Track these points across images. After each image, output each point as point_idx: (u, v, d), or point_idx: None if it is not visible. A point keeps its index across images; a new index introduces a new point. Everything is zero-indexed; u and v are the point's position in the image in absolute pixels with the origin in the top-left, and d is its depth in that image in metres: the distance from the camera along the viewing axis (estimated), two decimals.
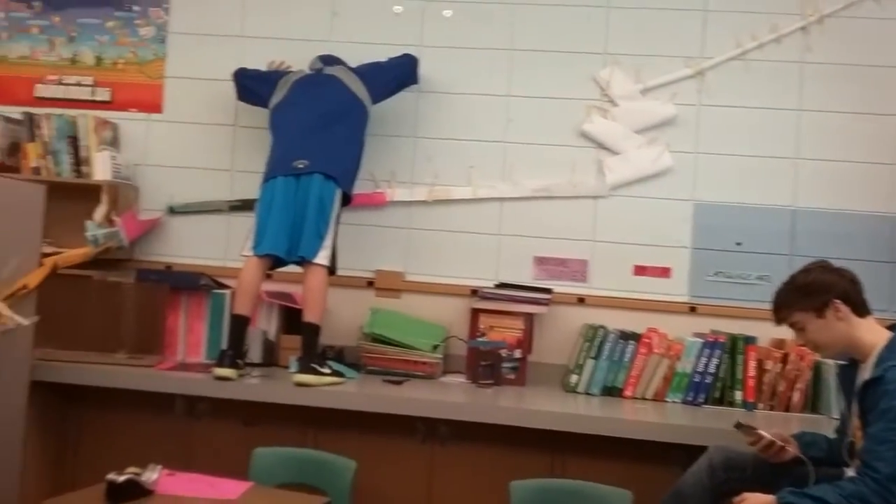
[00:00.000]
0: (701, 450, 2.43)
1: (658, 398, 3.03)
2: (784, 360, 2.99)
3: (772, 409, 2.99)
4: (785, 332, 2.40)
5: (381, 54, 3.37)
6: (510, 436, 2.75)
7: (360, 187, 3.25)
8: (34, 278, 2.63)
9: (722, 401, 3.02)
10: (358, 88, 3.18)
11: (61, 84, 3.63)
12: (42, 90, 3.63)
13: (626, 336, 3.09)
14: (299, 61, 3.38)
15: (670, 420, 2.77)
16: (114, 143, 3.51)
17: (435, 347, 3.16)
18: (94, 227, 3.21)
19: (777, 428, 2.35)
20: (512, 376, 3.13)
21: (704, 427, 2.67)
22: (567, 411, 2.78)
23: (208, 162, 3.54)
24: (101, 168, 3.36)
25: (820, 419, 2.89)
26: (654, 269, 3.29)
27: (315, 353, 2.92)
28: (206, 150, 3.55)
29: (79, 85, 3.62)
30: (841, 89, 3.25)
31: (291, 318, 3.26)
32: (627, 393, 3.05)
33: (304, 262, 2.95)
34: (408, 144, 3.45)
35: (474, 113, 3.42)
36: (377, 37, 3.46)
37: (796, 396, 2.98)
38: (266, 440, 2.69)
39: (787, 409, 2.98)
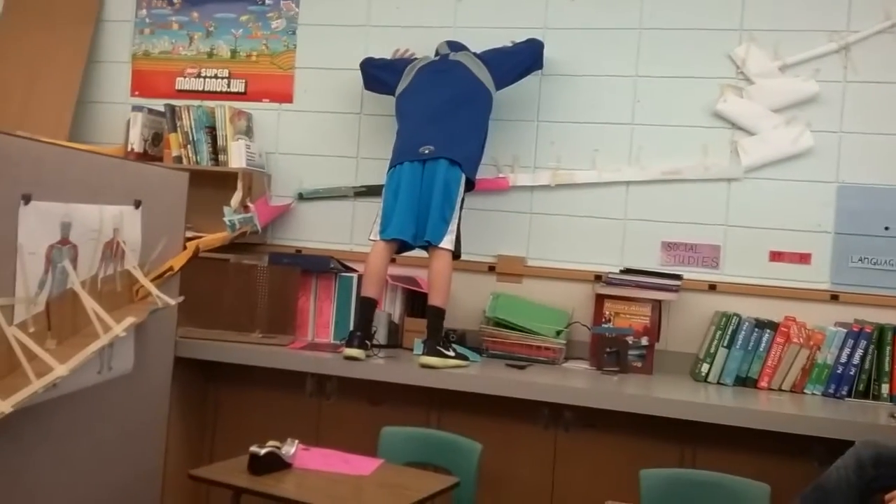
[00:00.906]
0: (843, 444, 2.30)
1: (796, 390, 2.89)
2: None
3: None
4: None
5: (505, 38, 3.35)
6: (637, 424, 2.70)
7: (483, 172, 3.25)
8: (179, 261, 2.76)
9: (867, 394, 2.85)
10: (483, 74, 3.18)
11: (199, 77, 3.82)
12: (182, 83, 3.83)
13: (761, 324, 2.95)
14: (424, 49, 3.41)
15: (810, 412, 2.63)
16: (248, 132, 3.66)
17: (558, 333, 3.12)
18: (231, 213, 3.36)
19: None
20: (638, 364, 3.05)
21: (848, 420, 2.52)
22: (699, 400, 2.68)
23: (335, 149, 3.63)
24: (236, 156, 3.51)
25: None
26: (792, 255, 3.12)
27: (440, 336, 2.95)
28: (333, 138, 3.64)
29: (216, 77, 3.80)
30: None
31: (415, 302, 3.32)
32: (762, 384, 2.92)
33: (429, 246, 2.98)
34: (530, 128, 3.42)
35: (599, 95, 3.34)
36: (501, 21, 3.44)
37: None
38: (391, 419, 2.75)
39: None
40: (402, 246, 3.06)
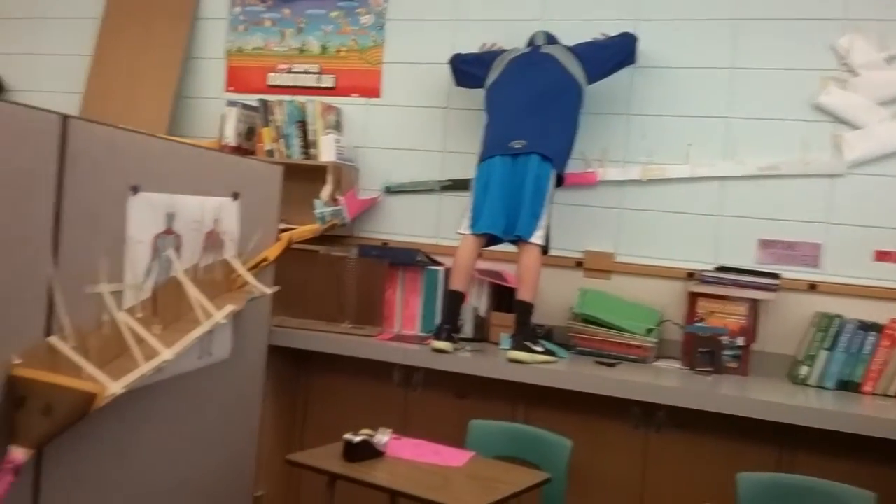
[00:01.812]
0: None
1: None
2: None
3: None
4: None
5: (595, 30, 3.30)
6: (732, 426, 2.62)
7: (571, 167, 3.21)
8: (273, 252, 2.82)
9: None
10: (574, 68, 3.13)
11: (291, 72, 3.90)
12: (274, 78, 3.92)
13: (866, 326, 2.82)
14: (512, 42, 3.38)
15: None
16: (337, 126, 3.71)
17: (649, 331, 3.06)
18: (321, 206, 3.42)
19: None
20: (733, 365, 2.96)
21: None
22: (799, 403, 2.59)
23: (422, 143, 3.65)
24: (326, 150, 3.57)
25: None
26: None
27: (528, 331, 2.93)
28: (420, 132, 3.66)
29: (306, 73, 3.87)
30: None
31: (501, 296, 3.30)
32: (866, 388, 2.79)
33: (519, 241, 2.96)
34: (621, 122, 3.35)
35: (693, 87, 3.25)
36: (591, 13, 3.38)
37: None
38: (477, 412, 2.75)
39: None
40: (491, 240, 3.05)
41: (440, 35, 3.61)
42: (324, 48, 3.85)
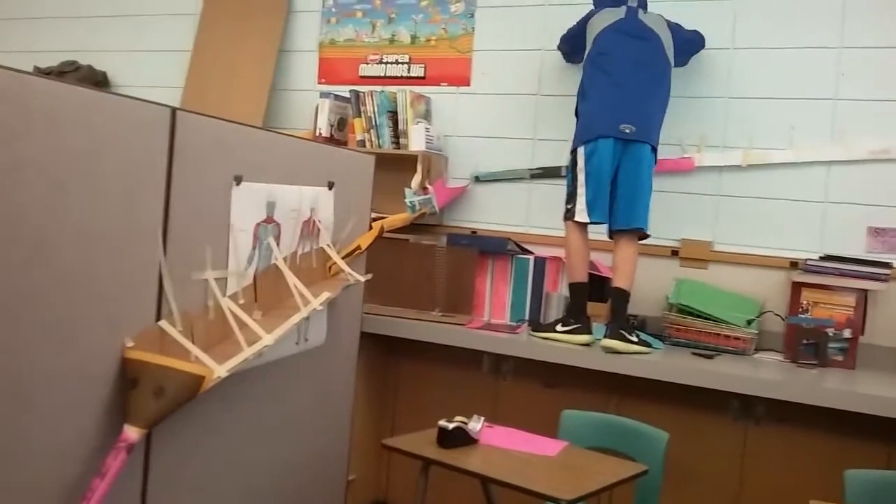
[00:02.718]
0: None
1: None
2: None
3: None
4: None
5: (691, 11, 3.20)
6: (836, 421, 2.52)
7: (665, 153, 3.12)
8: (366, 240, 2.86)
9: None
10: (669, 48, 3.03)
11: (381, 63, 3.94)
12: (365, 69, 3.96)
13: None
14: None
15: None
16: (427, 116, 3.73)
17: (749, 322, 2.96)
18: (411, 195, 3.45)
19: None
20: (839, 358, 2.83)
21: None
22: None
23: (511, 131, 3.63)
24: (416, 140, 3.59)
25: None
26: None
27: (624, 320, 2.88)
28: (510, 120, 3.63)
29: (396, 63, 3.90)
30: None
31: (592, 284, 3.24)
32: None
33: (622, 230, 2.91)
34: (719, 105, 3.24)
35: (797, 68, 3.12)
36: None
37: None
38: (566, 402, 2.71)
39: None
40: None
41: (531, 21, 3.58)
42: (414, 38, 3.87)
